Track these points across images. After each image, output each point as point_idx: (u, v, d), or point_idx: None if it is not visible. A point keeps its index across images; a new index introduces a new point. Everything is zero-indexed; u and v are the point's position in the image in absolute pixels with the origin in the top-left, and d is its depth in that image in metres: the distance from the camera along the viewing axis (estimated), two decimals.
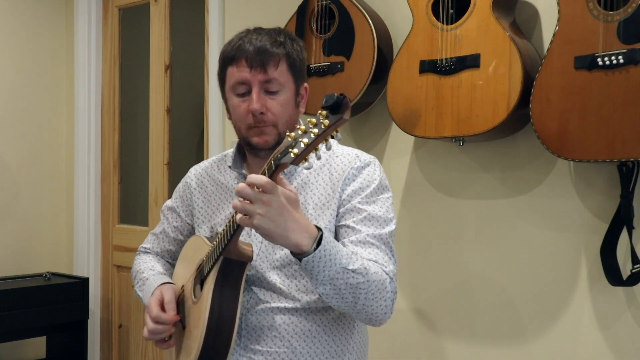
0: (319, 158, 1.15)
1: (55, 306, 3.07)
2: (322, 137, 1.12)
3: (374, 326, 1.41)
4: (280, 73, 1.45)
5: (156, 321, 1.47)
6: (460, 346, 2.10)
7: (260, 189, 1.18)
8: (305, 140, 1.12)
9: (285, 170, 1.49)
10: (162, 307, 1.49)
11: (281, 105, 1.46)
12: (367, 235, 1.40)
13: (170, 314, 1.48)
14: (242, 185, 1.20)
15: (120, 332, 3.41)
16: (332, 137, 1.13)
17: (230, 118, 1.54)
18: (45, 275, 3.21)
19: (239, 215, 1.22)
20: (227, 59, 1.48)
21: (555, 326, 1.91)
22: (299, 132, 1.13)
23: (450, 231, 2.13)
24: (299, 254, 1.25)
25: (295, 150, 1.13)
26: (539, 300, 1.95)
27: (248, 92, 1.45)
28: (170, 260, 1.76)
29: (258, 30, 1.50)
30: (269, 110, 1.44)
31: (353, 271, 1.28)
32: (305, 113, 2.24)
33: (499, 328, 2.03)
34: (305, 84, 1.55)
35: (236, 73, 1.46)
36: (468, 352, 2.08)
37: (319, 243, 1.24)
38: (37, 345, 3.37)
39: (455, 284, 2.12)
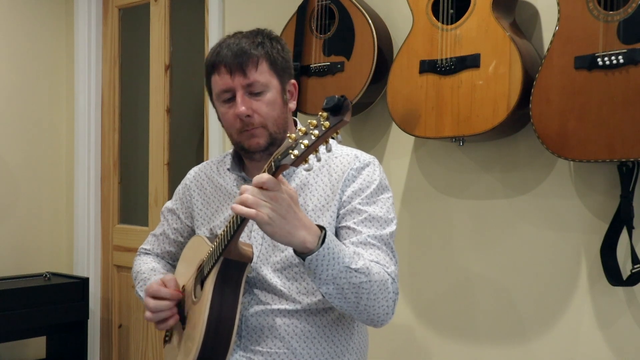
0: (319, 160, 1.15)
1: (55, 306, 3.07)
2: (323, 139, 1.12)
3: (375, 327, 1.41)
4: (261, 74, 1.45)
5: (157, 296, 1.45)
6: (460, 346, 2.10)
7: (265, 188, 1.19)
8: (306, 141, 1.12)
9: (284, 172, 1.49)
10: (164, 287, 1.48)
11: (267, 106, 1.45)
12: (368, 236, 1.40)
13: (171, 289, 1.47)
14: (246, 185, 1.20)
15: (120, 332, 3.41)
16: (332, 138, 1.13)
17: (223, 126, 1.54)
18: (45, 275, 3.21)
19: (248, 209, 1.19)
20: (209, 68, 1.49)
21: (555, 326, 1.91)
22: (300, 133, 1.14)
23: (450, 231, 2.13)
24: (302, 253, 1.25)
25: (296, 152, 1.13)
26: (539, 300, 1.95)
27: (233, 98, 1.45)
28: (171, 261, 1.76)
29: (237, 35, 1.50)
30: (255, 111, 1.44)
31: (356, 270, 1.28)
32: (305, 113, 2.25)
33: (499, 328, 2.03)
34: (293, 81, 1.54)
35: (219, 81, 1.46)
36: (468, 353, 2.08)
37: (323, 241, 1.24)
38: (37, 345, 3.37)
39: (455, 284, 2.12)
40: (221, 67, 1.45)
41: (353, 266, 1.27)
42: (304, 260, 1.24)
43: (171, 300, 1.47)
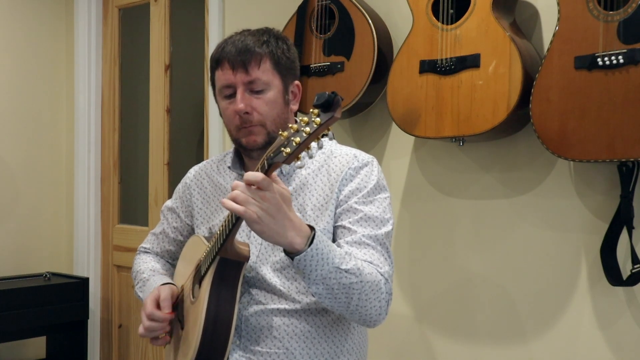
0: (311, 157, 1.16)
1: (55, 306, 3.07)
2: (314, 135, 1.12)
3: (368, 327, 1.42)
4: (264, 72, 1.45)
5: (151, 318, 1.47)
6: (460, 346, 2.10)
7: (256, 186, 1.19)
8: (297, 139, 1.12)
9: (284, 172, 1.50)
10: (158, 305, 1.49)
11: (267, 104, 1.46)
12: (363, 235, 1.40)
13: (165, 311, 1.48)
14: (237, 182, 1.20)
15: (120, 332, 3.41)
16: (325, 135, 1.14)
17: (224, 122, 1.54)
18: (45, 275, 3.21)
19: (238, 206, 1.19)
20: (213, 63, 1.50)
21: (555, 326, 1.91)
22: (291, 131, 1.14)
23: (450, 231, 2.13)
24: (291, 253, 1.25)
25: (288, 149, 1.13)
26: (539, 300, 1.95)
27: (234, 94, 1.46)
28: (170, 260, 1.76)
29: (244, 32, 1.51)
30: (255, 109, 1.45)
31: (346, 271, 1.28)
32: (305, 113, 2.25)
33: (499, 328, 2.03)
34: (297, 82, 1.54)
35: (221, 76, 1.47)
36: (468, 353, 2.08)
37: (311, 242, 1.24)
38: (37, 345, 3.37)
39: (455, 284, 2.12)
40: (224, 63, 1.46)
41: (343, 267, 1.27)
42: (293, 260, 1.25)
43: (164, 321, 1.48)
